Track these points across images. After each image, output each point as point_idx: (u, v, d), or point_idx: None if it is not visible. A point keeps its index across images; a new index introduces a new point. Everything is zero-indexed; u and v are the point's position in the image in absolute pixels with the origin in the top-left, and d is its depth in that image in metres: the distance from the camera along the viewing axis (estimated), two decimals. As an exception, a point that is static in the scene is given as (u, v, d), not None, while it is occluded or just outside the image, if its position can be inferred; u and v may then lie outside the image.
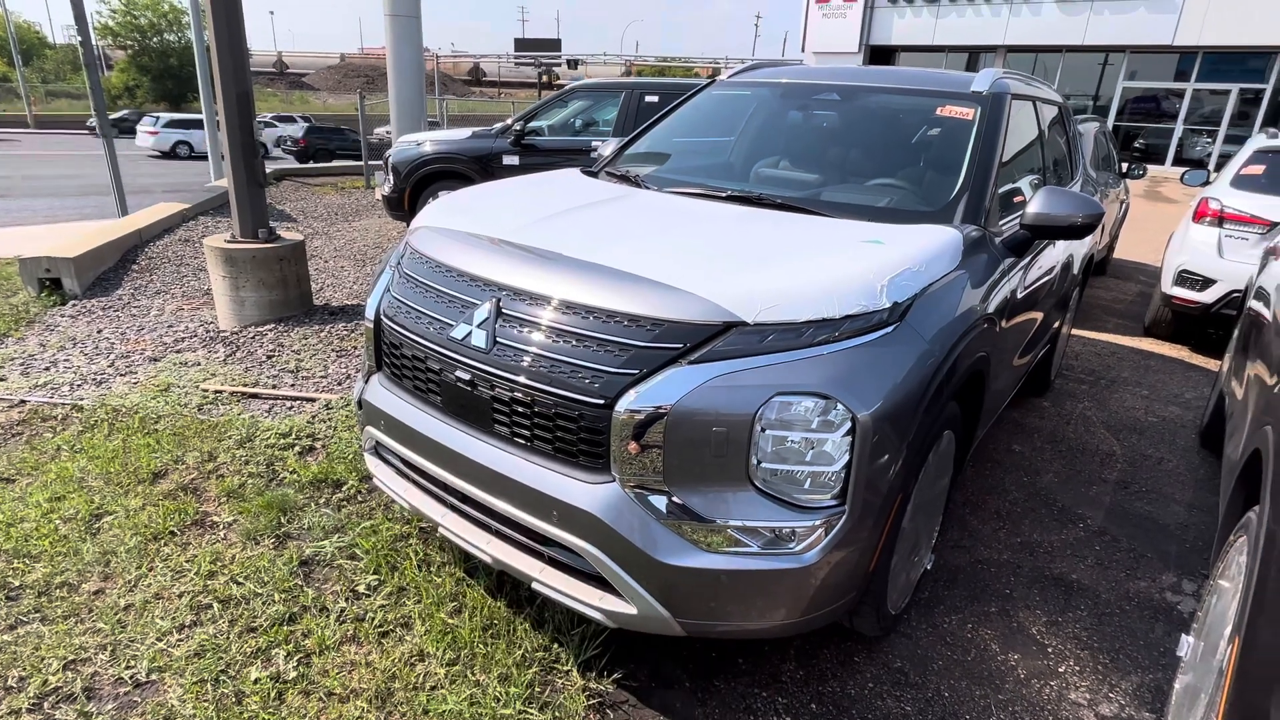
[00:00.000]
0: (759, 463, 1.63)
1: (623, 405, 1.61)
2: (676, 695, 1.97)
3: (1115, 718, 2.01)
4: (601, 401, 1.64)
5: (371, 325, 2.19)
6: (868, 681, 2.06)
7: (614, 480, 1.66)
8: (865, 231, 2.13)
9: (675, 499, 1.64)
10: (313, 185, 12.15)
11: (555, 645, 2.06)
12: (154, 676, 1.91)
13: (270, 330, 4.69)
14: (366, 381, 2.25)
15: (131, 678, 1.90)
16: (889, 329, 1.75)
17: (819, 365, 1.63)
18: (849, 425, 1.62)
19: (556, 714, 1.85)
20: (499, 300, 1.84)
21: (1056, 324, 3.79)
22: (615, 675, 2.00)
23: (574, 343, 1.70)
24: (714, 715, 1.92)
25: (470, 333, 1.84)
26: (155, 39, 43.57)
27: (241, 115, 4.68)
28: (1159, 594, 2.56)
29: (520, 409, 1.77)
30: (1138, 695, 2.09)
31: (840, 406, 1.61)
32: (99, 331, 4.57)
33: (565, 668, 2.00)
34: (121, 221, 7.41)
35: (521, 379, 1.74)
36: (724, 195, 2.53)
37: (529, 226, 2.11)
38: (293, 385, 3.86)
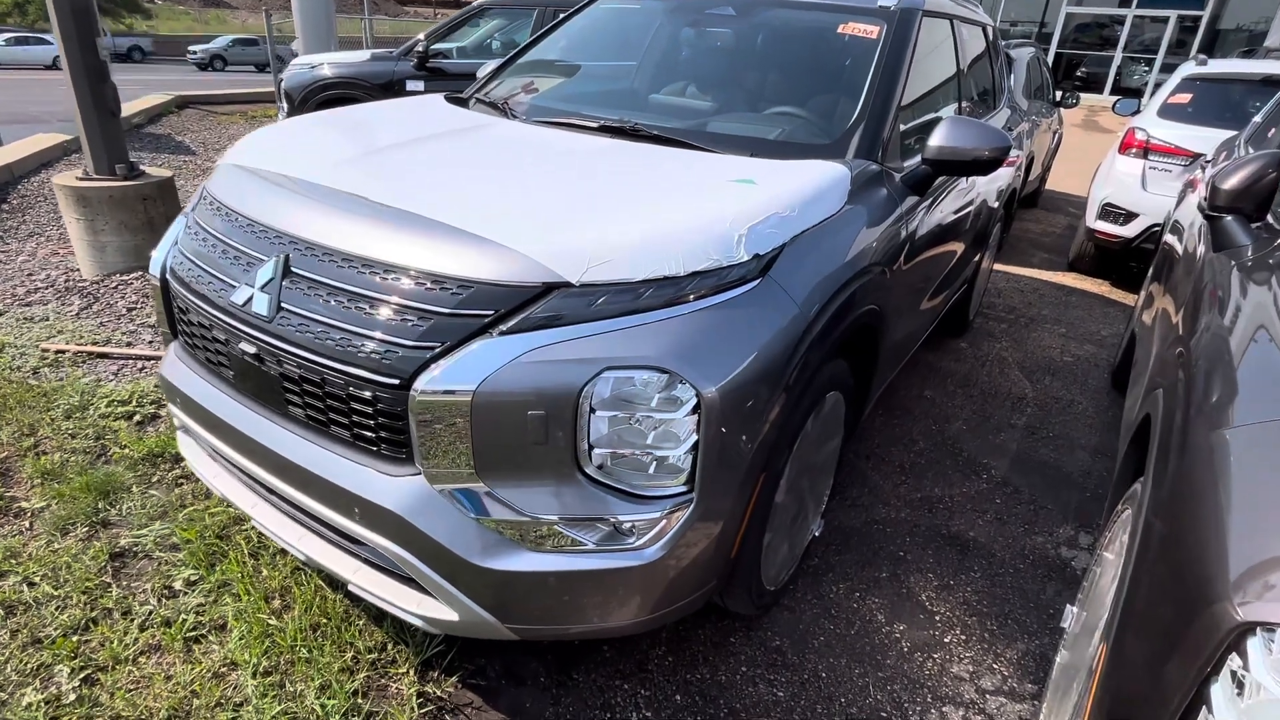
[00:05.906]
0: (589, 449, 1.38)
1: (421, 385, 1.34)
2: (529, 693, 1.78)
3: (997, 691, 1.91)
4: (397, 381, 1.36)
5: (158, 285, 1.84)
6: (741, 665, 1.91)
7: (419, 473, 1.41)
8: (739, 169, 1.85)
9: (490, 493, 1.40)
10: (219, 115, 11.14)
11: (392, 644, 1.84)
12: (-97, 707, 1.62)
13: (136, 279, 4.21)
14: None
15: (-125, 710, 1.62)
16: (748, 286, 1.50)
17: (658, 333, 1.38)
18: (694, 403, 1.38)
19: (381, 727, 1.65)
20: (288, 256, 1.52)
21: (973, 262, 3.62)
22: (460, 674, 1.79)
23: (367, 309, 1.41)
24: (568, 714, 1.74)
25: (252, 296, 1.52)
26: (44, -52, 39.37)
27: (80, 31, 4.05)
28: (1054, 550, 2.47)
29: (311, 389, 1.48)
30: (1021, 665, 1.99)
31: (683, 382, 1.37)
32: (-67, 283, 4.03)
33: (401, 670, 1.78)
34: (-12, 155, 6.61)
35: (308, 353, 1.44)
36: (595, 127, 2.22)
37: (344, 164, 1.77)
38: (151, 342, 3.46)
